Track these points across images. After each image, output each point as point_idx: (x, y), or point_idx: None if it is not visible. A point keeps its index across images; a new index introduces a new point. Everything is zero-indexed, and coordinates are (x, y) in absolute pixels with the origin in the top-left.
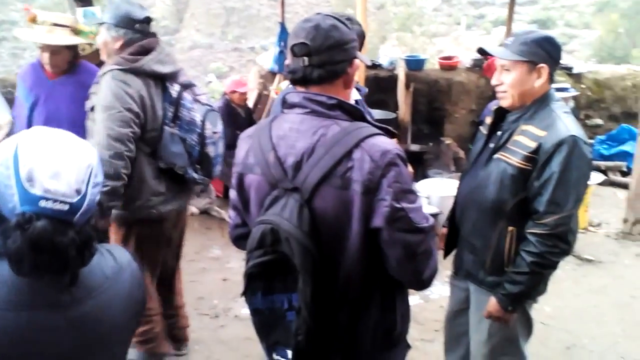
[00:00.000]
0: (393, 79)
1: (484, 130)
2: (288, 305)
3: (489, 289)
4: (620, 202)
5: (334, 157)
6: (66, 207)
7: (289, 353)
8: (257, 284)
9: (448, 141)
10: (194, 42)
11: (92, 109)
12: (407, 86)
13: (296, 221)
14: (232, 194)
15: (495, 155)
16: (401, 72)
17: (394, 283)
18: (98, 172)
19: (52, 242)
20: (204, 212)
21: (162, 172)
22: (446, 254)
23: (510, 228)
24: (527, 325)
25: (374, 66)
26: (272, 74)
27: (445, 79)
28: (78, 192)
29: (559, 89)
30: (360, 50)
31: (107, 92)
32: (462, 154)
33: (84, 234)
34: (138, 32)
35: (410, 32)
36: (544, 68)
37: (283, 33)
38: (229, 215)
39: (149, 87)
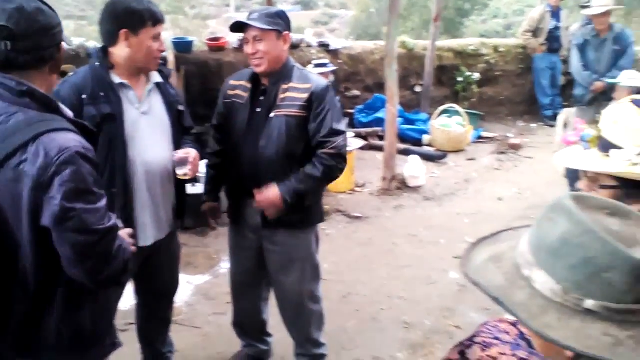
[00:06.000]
0: (163, 63)
1: (240, 100)
2: None
3: (293, 227)
4: (380, 163)
5: (8, 148)
6: None
7: None
8: None
9: None
10: None
11: None
12: (177, 69)
13: None
14: None
15: (272, 114)
16: (170, 55)
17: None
18: None
19: None
20: None
21: None
22: (238, 222)
23: (301, 169)
24: None
25: None
26: None
27: (215, 59)
28: None
29: (319, 65)
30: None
31: None
32: None
33: None
34: None
35: (183, 15)
36: (288, 35)
37: None
38: None
39: None
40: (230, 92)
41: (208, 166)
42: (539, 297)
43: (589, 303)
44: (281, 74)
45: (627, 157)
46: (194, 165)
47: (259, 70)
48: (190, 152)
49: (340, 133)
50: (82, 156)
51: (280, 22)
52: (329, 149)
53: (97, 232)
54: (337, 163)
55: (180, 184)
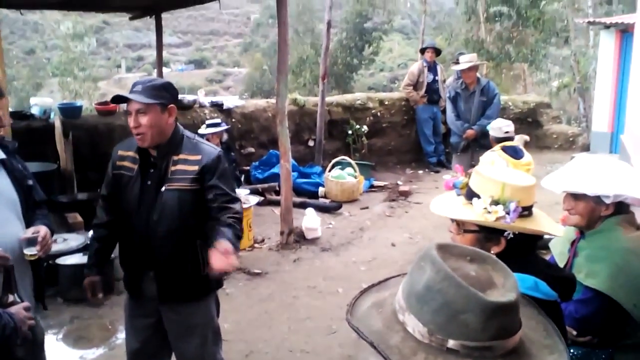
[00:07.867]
0: (49, 129)
1: (129, 173)
2: None
3: (192, 298)
4: (277, 218)
5: None
6: None
7: None
8: None
9: None
10: None
11: None
12: (65, 135)
13: None
14: None
15: (163, 188)
16: (57, 121)
17: None
18: None
19: None
20: None
21: None
22: (134, 293)
23: (199, 242)
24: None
25: (25, 117)
26: None
27: (105, 124)
28: None
29: (213, 124)
30: None
31: None
32: None
33: None
34: None
35: (73, 77)
36: (173, 108)
37: None
38: None
39: None
40: (119, 163)
41: (93, 238)
42: (411, 339)
43: (451, 343)
44: (170, 145)
45: (483, 206)
46: (44, 244)
47: (142, 145)
48: (40, 230)
49: (237, 200)
50: None
51: (165, 94)
52: (231, 214)
53: None
54: (241, 228)
55: (35, 264)
